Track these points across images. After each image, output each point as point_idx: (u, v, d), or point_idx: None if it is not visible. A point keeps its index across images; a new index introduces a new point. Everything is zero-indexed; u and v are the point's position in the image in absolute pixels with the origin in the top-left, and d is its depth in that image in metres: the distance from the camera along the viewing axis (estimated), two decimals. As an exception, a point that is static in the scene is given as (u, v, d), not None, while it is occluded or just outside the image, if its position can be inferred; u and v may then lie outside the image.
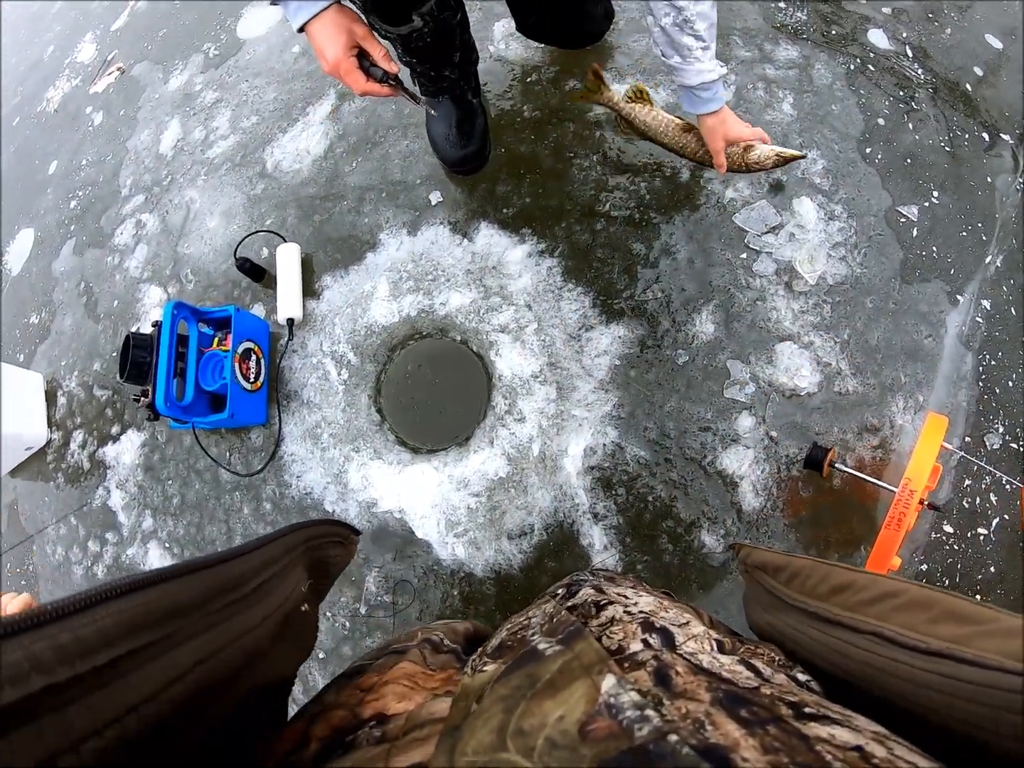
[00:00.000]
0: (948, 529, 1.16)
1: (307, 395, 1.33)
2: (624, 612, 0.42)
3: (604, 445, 1.16)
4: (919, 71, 1.39)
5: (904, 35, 1.42)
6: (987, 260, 1.26)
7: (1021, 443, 1.19)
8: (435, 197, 1.38)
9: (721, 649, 0.36)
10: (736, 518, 1.13)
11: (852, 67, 1.39)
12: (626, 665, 0.31)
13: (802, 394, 1.17)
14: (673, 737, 0.22)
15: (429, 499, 1.17)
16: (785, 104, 1.37)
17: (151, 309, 1.56)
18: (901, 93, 1.37)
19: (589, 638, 0.30)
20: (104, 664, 0.22)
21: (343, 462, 1.26)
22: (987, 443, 1.17)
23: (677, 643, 0.36)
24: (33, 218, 1.91)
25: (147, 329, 1.32)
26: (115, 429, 1.57)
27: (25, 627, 0.21)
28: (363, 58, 0.94)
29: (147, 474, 1.50)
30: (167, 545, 1.46)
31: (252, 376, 1.29)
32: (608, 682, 0.26)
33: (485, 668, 0.34)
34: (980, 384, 1.20)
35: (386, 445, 1.25)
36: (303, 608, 0.46)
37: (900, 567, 1.02)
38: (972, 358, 1.21)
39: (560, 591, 0.56)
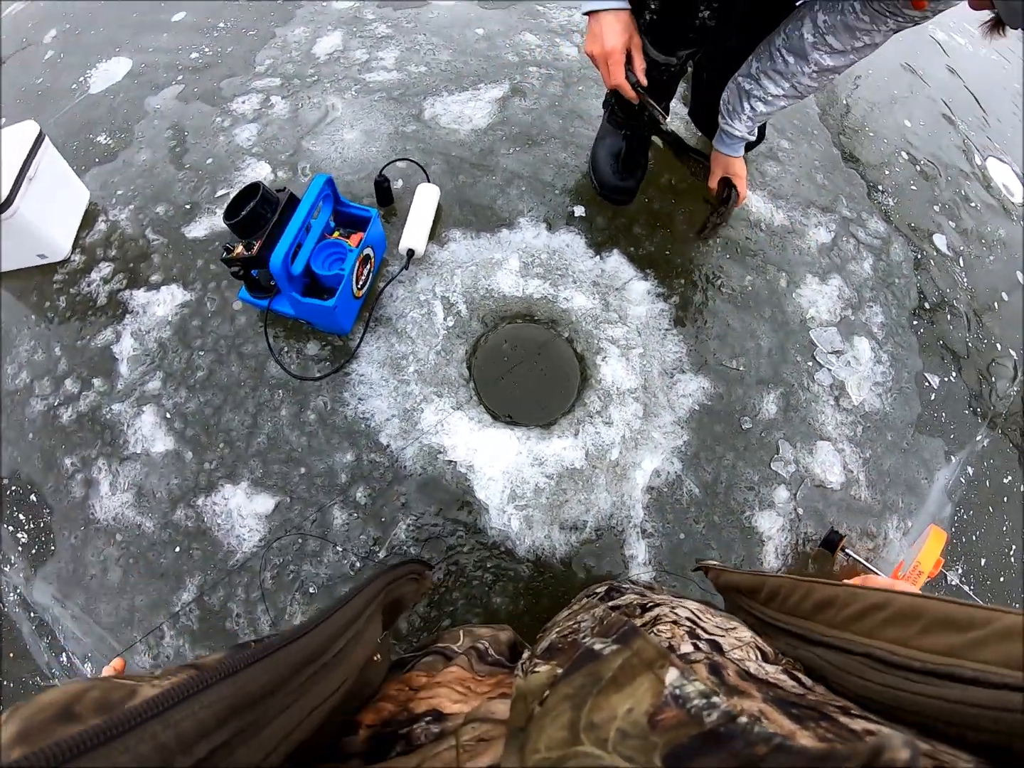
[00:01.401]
0: None
1: (402, 326, 1.33)
2: (670, 612, 0.44)
3: (668, 472, 1.27)
4: (964, 279, 1.73)
5: (960, 248, 1.77)
6: (978, 438, 1.55)
7: (973, 586, 1.44)
8: (579, 211, 1.49)
9: (765, 659, 0.38)
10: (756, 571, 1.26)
11: (919, 256, 1.71)
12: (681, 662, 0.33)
13: (828, 487, 1.36)
14: (743, 719, 0.23)
15: (503, 465, 1.20)
16: (866, 263, 1.65)
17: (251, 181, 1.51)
18: (948, 291, 1.70)
19: (646, 635, 0.31)
20: (204, 757, 0.23)
21: (420, 401, 1.27)
22: (948, 579, 1.40)
23: (724, 650, 0.37)
24: (137, 51, 1.80)
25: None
26: (155, 277, 1.46)
27: (131, 725, 0.21)
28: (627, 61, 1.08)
29: (176, 335, 1.40)
30: (168, 416, 1.35)
31: (361, 283, 1.29)
32: (672, 675, 0.27)
33: (537, 669, 0.34)
34: (952, 530, 1.45)
35: (469, 401, 1.28)
36: (376, 658, 0.46)
37: None
38: (951, 508, 1.47)
39: (600, 590, 0.60)
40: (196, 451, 1.34)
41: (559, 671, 0.30)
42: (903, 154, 1.88)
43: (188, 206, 1.55)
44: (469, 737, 0.34)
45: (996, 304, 1.76)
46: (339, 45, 1.72)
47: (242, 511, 1.30)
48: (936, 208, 1.83)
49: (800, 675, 0.36)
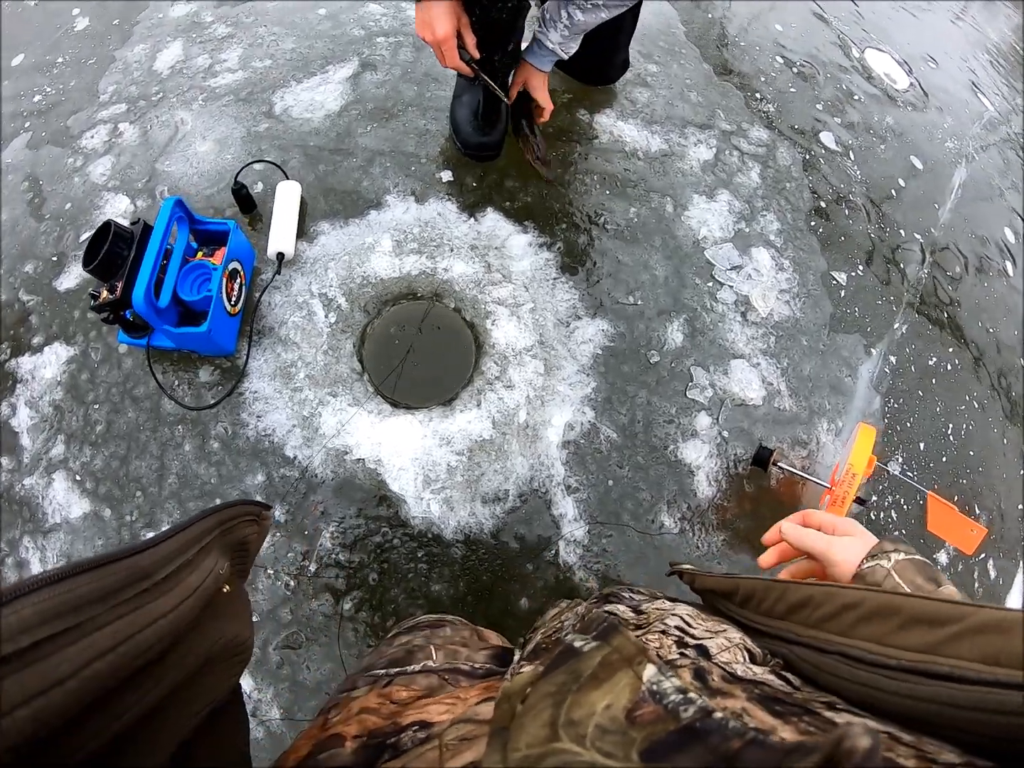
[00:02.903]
0: None
1: (285, 333, 1.29)
2: (659, 622, 0.43)
3: (582, 423, 1.24)
4: (857, 172, 1.71)
5: (849, 142, 1.75)
6: (895, 326, 1.55)
7: (915, 472, 1.44)
8: (446, 176, 1.44)
9: (753, 660, 0.37)
10: (691, 503, 1.25)
11: (807, 157, 1.68)
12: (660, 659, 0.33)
13: (749, 404, 1.34)
14: (718, 714, 0.23)
15: (410, 452, 1.17)
16: (753, 173, 1.62)
17: (112, 218, 1.44)
18: (841, 186, 1.68)
19: (625, 632, 0.31)
20: (27, 647, 0.25)
21: (316, 405, 1.23)
22: (889, 470, 1.40)
23: (712, 654, 0.37)
24: (-21, 106, 1.71)
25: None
26: (37, 340, 1.40)
27: None
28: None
29: (69, 394, 1.35)
30: (78, 478, 1.30)
31: (234, 299, 1.24)
32: (649, 671, 0.27)
33: (522, 671, 0.35)
34: (885, 421, 1.45)
35: (365, 395, 1.24)
36: (224, 589, 0.47)
37: None
38: (880, 400, 1.46)
39: (594, 598, 0.58)
40: (113, 507, 1.29)
41: (540, 670, 0.30)
42: (777, 59, 1.85)
43: (55, 258, 1.48)
44: (453, 737, 0.34)
45: (894, 191, 1.74)
46: (180, 55, 1.64)
47: (167, 554, 1.26)
48: (819, 107, 1.80)
49: (788, 675, 0.35)
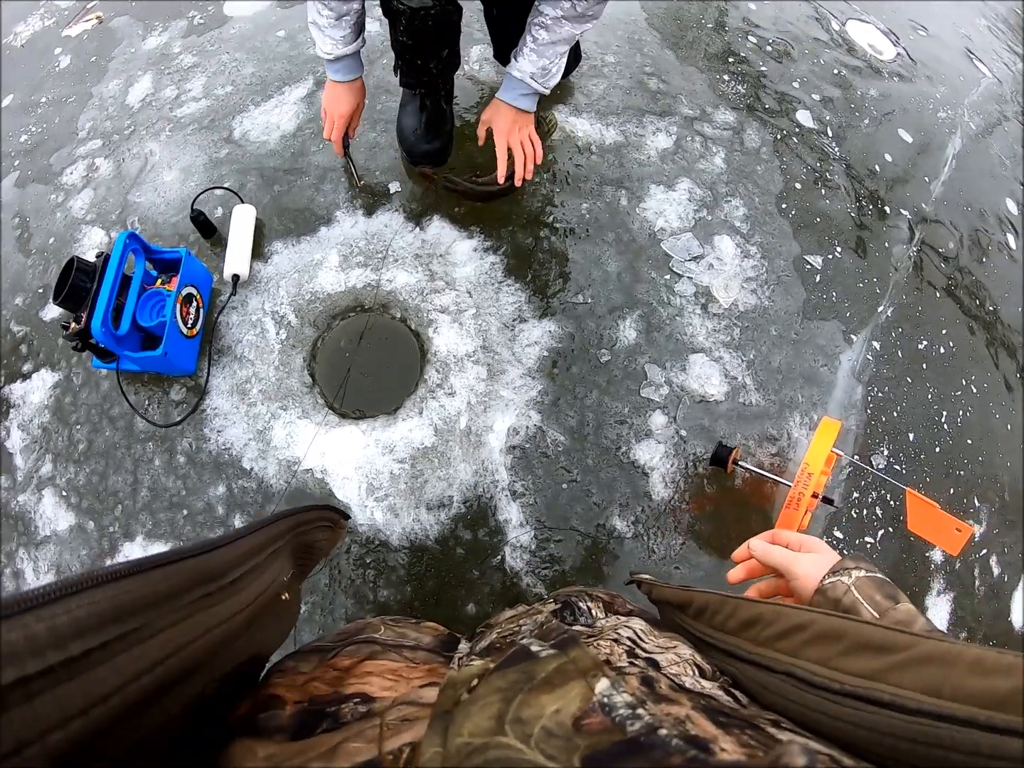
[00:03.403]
0: (838, 535, 1.29)
1: (240, 351, 1.33)
2: (612, 631, 0.44)
3: (527, 427, 1.23)
4: (836, 149, 1.62)
5: (828, 119, 1.66)
6: (880, 310, 1.45)
7: (903, 465, 1.35)
8: (394, 187, 1.45)
9: (703, 675, 0.38)
10: (646, 506, 1.21)
11: (779, 136, 1.60)
12: (614, 673, 0.33)
13: (710, 400, 1.29)
14: (663, 731, 0.24)
15: (353, 461, 1.18)
16: (717, 158, 1.55)
17: (89, 250, 1.52)
18: (818, 165, 1.59)
19: (584, 646, 0.32)
20: (77, 655, 0.22)
21: (269, 419, 1.26)
22: (873, 463, 1.32)
23: (661, 666, 0.37)
24: (-25, 150, 1.84)
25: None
26: (27, 367, 1.49)
27: (3, 615, 0.21)
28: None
29: (55, 416, 1.43)
30: (64, 493, 1.39)
31: (190, 322, 1.28)
32: (602, 684, 0.28)
33: (473, 663, 0.36)
34: (868, 412, 1.37)
35: (315, 407, 1.26)
36: (283, 597, 0.47)
37: None
38: (862, 389, 1.38)
39: (551, 605, 0.59)
40: (95, 519, 1.37)
41: (491, 665, 0.31)
42: (749, 39, 1.77)
43: (41, 290, 1.57)
44: (394, 717, 0.34)
45: (878, 167, 1.64)
46: (150, 88, 1.71)
47: (143, 565, 1.33)
48: (795, 84, 1.71)
49: (736, 692, 0.36)
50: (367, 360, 1.28)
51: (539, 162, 1.24)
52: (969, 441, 1.46)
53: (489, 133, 1.25)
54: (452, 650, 0.53)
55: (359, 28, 1.19)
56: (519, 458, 1.22)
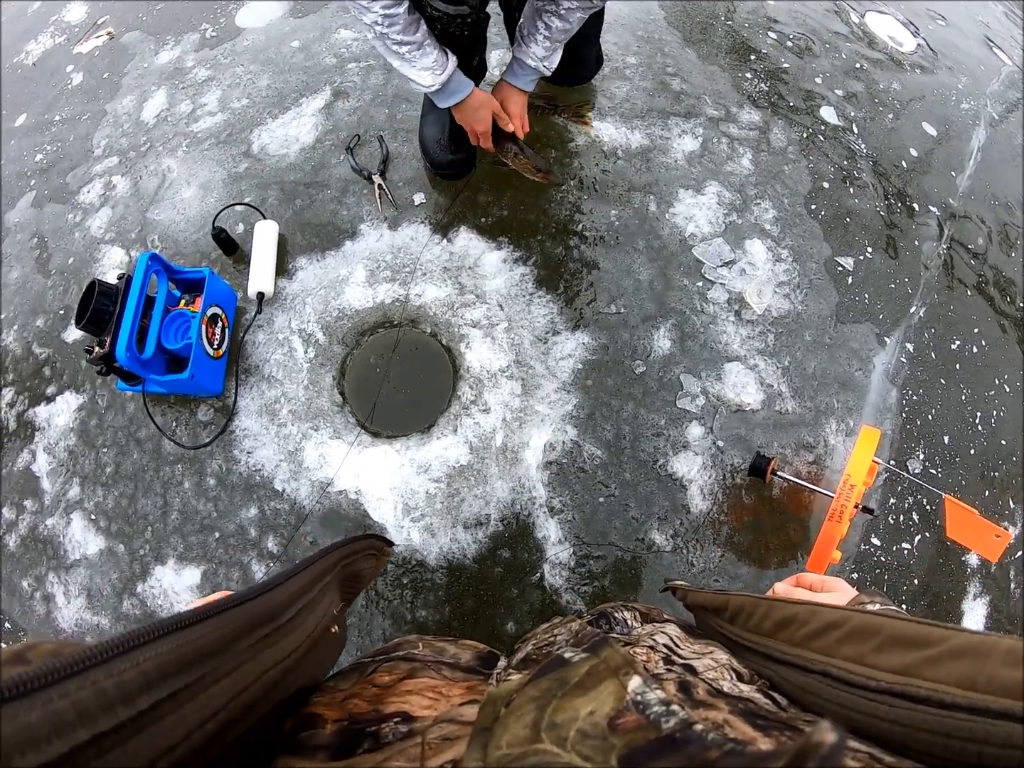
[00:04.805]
0: (876, 541, 1.27)
1: (268, 370, 1.31)
2: (649, 638, 0.44)
3: (563, 442, 1.21)
4: (863, 146, 1.59)
5: (852, 114, 1.63)
6: (911, 310, 1.43)
7: (939, 468, 1.33)
8: (419, 198, 1.43)
9: (740, 679, 0.37)
10: (684, 519, 1.20)
11: (805, 135, 1.57)
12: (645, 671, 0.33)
13: (747, 410, 1.27)
14: (699, 727, 0.23)
15: (388, 482, 1.17)
16: (744, 159, 1.53)
17: (109, 270, 1.51)
18: (845, 163, 1.56)
19: (615, 645, 0.31)
20: (145, 709, 0.22)
21: (300, 440, 1.25)
22: (909, 467, 1.30)
23: (699, 671, 0.37)
24: (-11, 169, 1.82)
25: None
26: (51, 389, 1.48)
27: (69, 672, 0.20)
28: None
29: (80, 439, 1.42)
30: (93, 517, 1.38)
31: (216, 343, 1.27)
32: (635, 682, 0.27)
33: (511, 678, 0.35)
34: (903, 415, 1.34)
35: (346, 427, 1.25)
36: (333, 630, 0.46)
37: (840, 562, 1.11)
38: (896, 393, 1.35)
39: (587, 616, 0.59)
40: (125, 542, 1.36)
41: (528, 677, 0.31)
42: (769, 35, 1.73)
43: (62, 311, 1.56)
44: (435, 736, 0.34)
45: (904, 162, 1.61)
46: (164, 104, 1.69)
47: (175, 588, 1.31)
48: (818, 80, 1.68)
49: (775, 695, 0.36)
50: (398, 377, 1.27)
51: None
52: (1003, 442, 1.43)
53: None
54: (491, 667, 0.53)
55: (443, 48, 1.13)
56: (556, 474, 1.20)
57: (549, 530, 1.17)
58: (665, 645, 0.42)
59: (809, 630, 0.36)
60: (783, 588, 0.60)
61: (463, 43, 1.15)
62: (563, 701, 0.27)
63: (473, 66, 1.26)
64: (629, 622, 0.55)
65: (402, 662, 0.49)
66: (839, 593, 0.56)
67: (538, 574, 1.16)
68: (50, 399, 1.48)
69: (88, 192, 1.64)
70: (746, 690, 0.34)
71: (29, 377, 1.53)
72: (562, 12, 1.12)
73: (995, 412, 1.44)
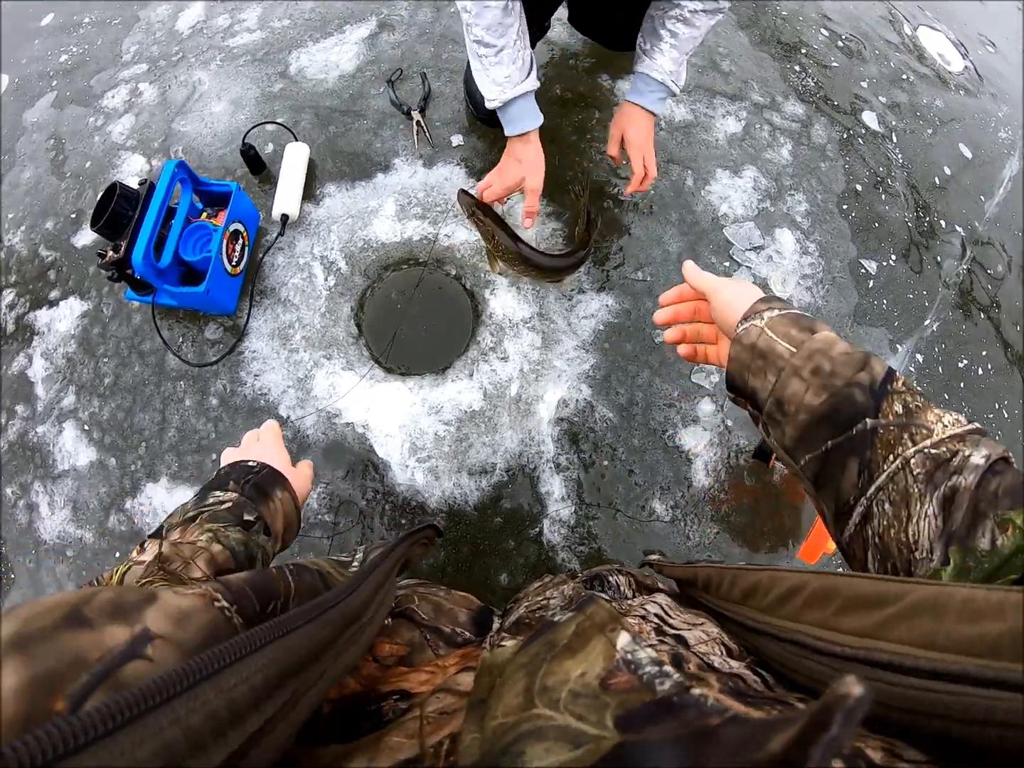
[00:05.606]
0: None
1: (285, 294, 1.28)
2: (640, 607, 0.43)
3: (577, 400, 1.21)
4: (899, 156, 1.59)
5: (893, 123, 1.63)
6: (926, 323, 1.44)
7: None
8: (456, 139, 1.40)
9: (730, 654, 0.37)
10: (685, 492, 1.20)
11: (844, 136, 1.58)
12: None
13: (759, 394, 1.28)
14: (696, 691, 0.22)
15: (398, 419, 1.15)
16: (784, 150, 1.52)
17: (128, 177, 1.46)
18: (880, 169, 1.57)
19: (600, 601, 0.31)
20: (254, 732, 0.20)
21: (311, 367, 1.22)
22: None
23: (690, 644, 0.37)
24: (14, 65, 1.75)
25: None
26: (55, 294, 1.43)
27: (178, 690, 0.18)
28: None
29: (81, 347, 1.38)
30: (86, 428, 1.34)
31: (235, 260, 1.24)
32: (623, 639, 0.26)
33: (504, 644, 0.35)
34: (904, 421, 1.36)
35: (360, 359, 1.23)
36: (387, 623, 0.46)
37: (833, 552, 1.12)
38: (900, 398, 1.37)
39: (581, 577, 0.58)
40: (117, 456, 1.33)
41: (520, 643, 0.30)
42: (822, 31, 1.73)
43: (74, 215, 1.51)
44: (433, 709, 0.33)
45: (937, 179, 1.62)
46: (201, 15, 1.64)
47: (165, 506, 1.28)
48: (863, 84, 1.68)
49: (764, 672, 0.34)
50: (418, 316, 1.25)
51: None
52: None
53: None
54: (485, 628, 0.53)
55: (528, 65, 1.01)
56: (566, 431, 1.20)
57: (553, 486, 1.17)
58: (656, 615, 0.42)
59: (773, 597, 0.35)
60: (691, 265, 0.64)
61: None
62: (553, 664, 0.27)
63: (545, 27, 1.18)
64: (622, 588, 0.55)
65: (404, 629, 0.49)
66: (745, 287, 0.57)
67: (537, 528, 1.16)
68: (53, 303, 1.44)
69: (112, 97, 1.58)
70: (736, 666, 0.34)
71: (33, 280, 1.48)
72: (687, 16, 1.02)
73: (995, 436, 1.46)
